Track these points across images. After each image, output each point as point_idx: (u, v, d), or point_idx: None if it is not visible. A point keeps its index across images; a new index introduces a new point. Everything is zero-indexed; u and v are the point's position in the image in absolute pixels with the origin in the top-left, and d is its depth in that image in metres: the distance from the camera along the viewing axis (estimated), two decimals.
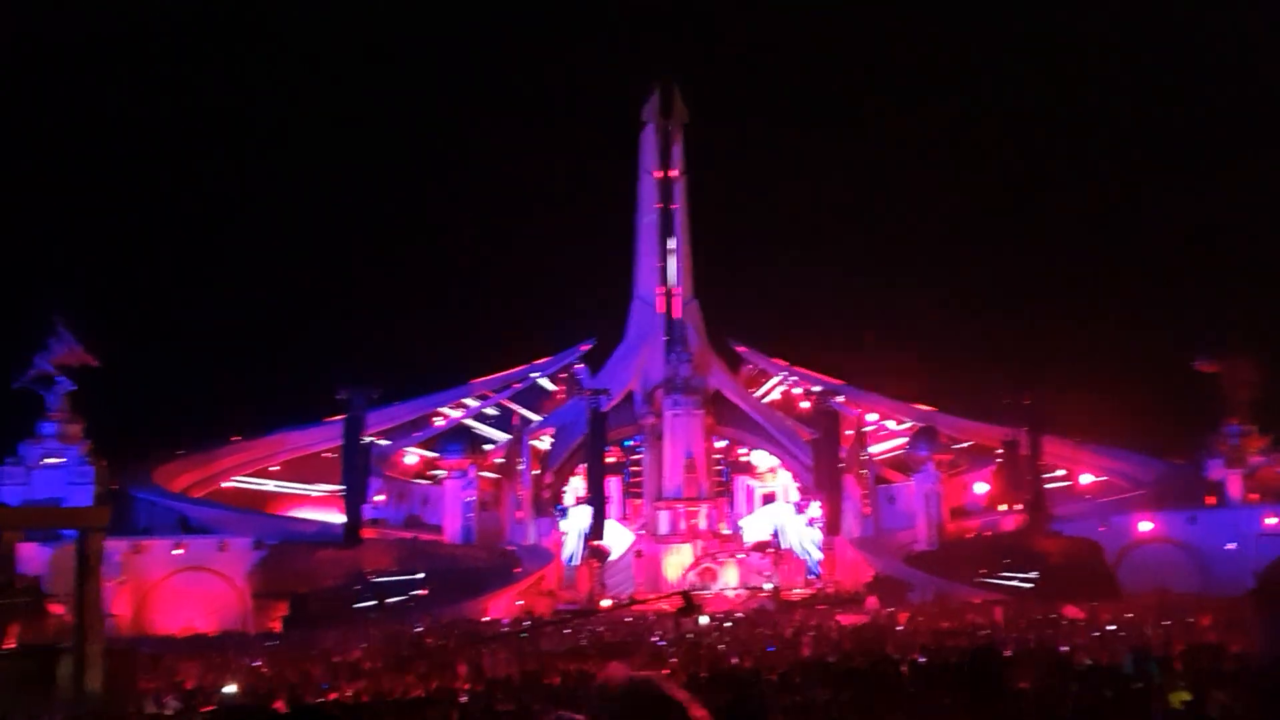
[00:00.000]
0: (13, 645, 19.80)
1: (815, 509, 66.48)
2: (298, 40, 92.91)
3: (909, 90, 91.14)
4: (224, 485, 61.32)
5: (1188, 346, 58.95)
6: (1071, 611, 38.27)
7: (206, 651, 34.20)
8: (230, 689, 24.17)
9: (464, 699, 17.15)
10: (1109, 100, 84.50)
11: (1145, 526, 55.96)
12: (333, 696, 21.05)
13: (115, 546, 42.23)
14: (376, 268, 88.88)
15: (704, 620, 40.47)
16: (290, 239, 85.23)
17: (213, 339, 73.88)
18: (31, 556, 37.93)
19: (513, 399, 71.58)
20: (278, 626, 48.13)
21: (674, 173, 72.23)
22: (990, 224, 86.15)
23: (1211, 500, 57.25)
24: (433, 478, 65.69)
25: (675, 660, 24.38)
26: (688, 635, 31.53)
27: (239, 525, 55.45)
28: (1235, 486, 56.94)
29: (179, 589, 51.04)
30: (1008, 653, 19.35)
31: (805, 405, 71.14)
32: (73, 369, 52.64)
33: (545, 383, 73.71)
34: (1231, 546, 52.40)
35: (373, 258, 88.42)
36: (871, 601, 50.09)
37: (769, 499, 69.04)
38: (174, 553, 51.83)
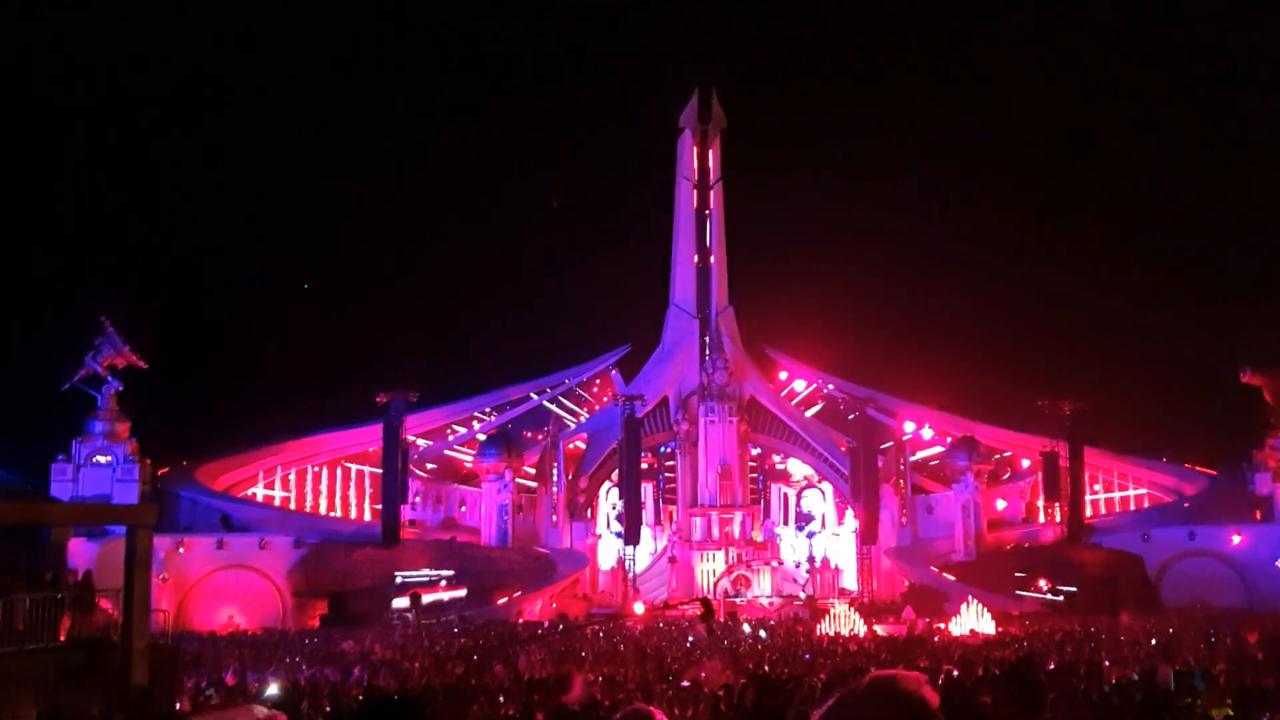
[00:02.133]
0: (62, 639, 20.20)
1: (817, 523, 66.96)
2: (342, 49, 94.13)
3: (949, 97, 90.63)
4: (261, 492, 61.95)
5: (1233, 357, 58.15)
6: (1127, 619, 38.33)
7: (247, 649, 34.73)
8: (272, 690, 24.45)
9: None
10: (1156, 103, 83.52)
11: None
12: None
13: (158, 543, 42.90)
14: (414, 273, 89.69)
15: (746, 628, 40.51)
16: (334, 243, 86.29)
17: (254, 340, 74.82)
18: (79, 552, 38.68)
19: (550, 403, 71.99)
20: (316, 625, 48.71)
21: (711, 178, 72.35)
22: (1033, 230, 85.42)
23: (1259, 515, 56.38)
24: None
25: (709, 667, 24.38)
26: (724, 642, 31.55)
27: (279, 524, 56.22)
28: None
29: (220, 586, 51.79)
30: (1049, 664, 19.22)
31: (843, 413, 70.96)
32: (119, 369, 53.71)
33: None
34: (1278, 563, 51.61)
35: (410, 262, 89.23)
36: (908, 611, 49.83)
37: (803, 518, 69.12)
38: (216, 550, 52.64)
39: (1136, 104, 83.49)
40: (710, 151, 72.42)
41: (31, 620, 19.11)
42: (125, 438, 53.25)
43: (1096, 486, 64.87)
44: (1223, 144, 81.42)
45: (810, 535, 67.09)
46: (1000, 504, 64.42)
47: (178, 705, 20.34)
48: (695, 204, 72.15)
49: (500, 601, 53.30)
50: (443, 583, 52.15)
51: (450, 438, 69.65)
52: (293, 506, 61.20)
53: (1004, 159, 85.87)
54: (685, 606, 33.72)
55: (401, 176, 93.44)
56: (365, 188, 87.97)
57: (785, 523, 69.52)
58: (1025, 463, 65.92)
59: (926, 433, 69.03)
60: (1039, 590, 51.73)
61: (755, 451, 71.26)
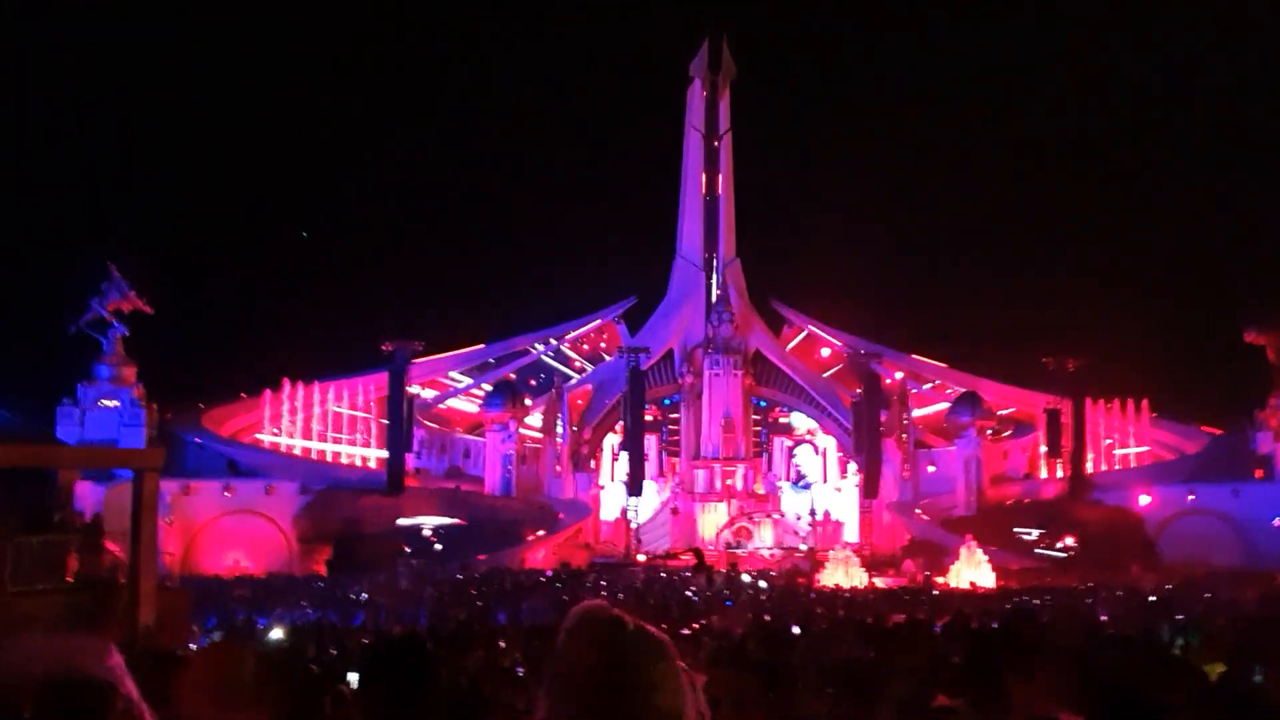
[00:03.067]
0: (70, 579, 20.44)
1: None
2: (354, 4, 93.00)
3: (958, 56, 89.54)
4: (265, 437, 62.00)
5: (1236, 316, 57.89)
6: (1137, 571, 38.80)
7: (254, 592, 35.14)
8: (277, 634, 24.73)
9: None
10: (1162, 69, 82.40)
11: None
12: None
13: (165, 487, 43.06)
14: (422, 221, 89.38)
15: (746, 578, 40.86)
16: (338, 191, 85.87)
17: (260, 287, 74.82)
18: (85, 495, 38.96)
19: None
20: (322, 570, 49.21)
21: (720, 129, 71.67)
22: (1038, 186, 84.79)
23: (1259, 474, 56.43)
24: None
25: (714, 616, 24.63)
26: (724, 591, 31.85)
27: (286, 470, 56.54)
28: None
29: (226, 531, 52.20)
30: (1044, 618, 19.38)
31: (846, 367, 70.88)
32: (125, 314, 53.70)
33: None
34: (1277, 522, 51.78)
35: (419, 211, 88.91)
36: (908, 565, 50.25)
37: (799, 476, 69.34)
38: (223, 495, 52.97)
39: (1143, 64, 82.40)
40: (720, 102, 71.67)
41: (39, 561, 19.32)
42: (132, 382, 53.35)
43: (1105, 442, 64.96)
44: (1230, 104, 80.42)
45: (805, 486, 67.31)
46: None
47: (192, 646, 20.63)
48: (704, 155, 71.56)
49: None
50: (427, 531, 52.51)
51: (452, 389, 69.78)
52: (299, 453, 61.49)
53: (1015, 117, 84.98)
54: (682, 556, 34.16)
55: (408, 124, 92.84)
56: (371, 135, 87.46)
57: (787, 476, 69.79)
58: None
59: (929, 387, 69.08)
60: (1058, 548, 52.01)
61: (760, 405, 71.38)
